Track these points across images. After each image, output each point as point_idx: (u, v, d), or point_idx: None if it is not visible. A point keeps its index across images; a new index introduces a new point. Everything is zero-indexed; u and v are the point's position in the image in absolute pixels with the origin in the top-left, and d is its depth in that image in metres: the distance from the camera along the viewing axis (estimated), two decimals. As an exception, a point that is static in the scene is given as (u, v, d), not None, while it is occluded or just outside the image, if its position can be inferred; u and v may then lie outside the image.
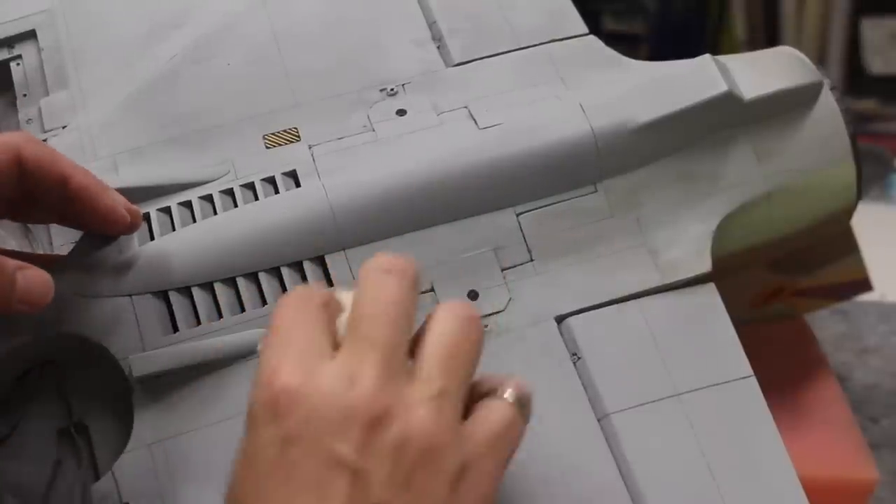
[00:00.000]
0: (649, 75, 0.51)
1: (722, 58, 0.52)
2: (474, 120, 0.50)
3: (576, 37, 0.54)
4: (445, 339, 0.37)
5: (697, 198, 0.50)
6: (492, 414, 0.37)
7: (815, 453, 0.60)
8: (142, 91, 0.53)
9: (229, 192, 0.49)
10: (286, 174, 0.49)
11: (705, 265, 0.48)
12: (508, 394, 0.38)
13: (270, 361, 0.36)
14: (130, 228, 0.46)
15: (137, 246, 0.47)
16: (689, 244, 0.49)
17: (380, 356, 0.35)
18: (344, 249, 0.47)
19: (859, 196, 0.53)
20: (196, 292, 0.46)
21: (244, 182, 0.49)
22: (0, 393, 0.45)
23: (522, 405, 0.38)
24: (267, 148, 0.51)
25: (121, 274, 0.46)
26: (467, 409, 0.37)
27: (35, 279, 0.41)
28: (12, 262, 0.41)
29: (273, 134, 0.51)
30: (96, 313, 0.46)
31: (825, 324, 0.80)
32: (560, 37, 0.54)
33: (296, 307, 0.37)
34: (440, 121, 0.50)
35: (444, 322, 0.37)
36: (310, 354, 0.36)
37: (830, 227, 0.54)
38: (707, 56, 0.51)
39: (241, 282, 0.47)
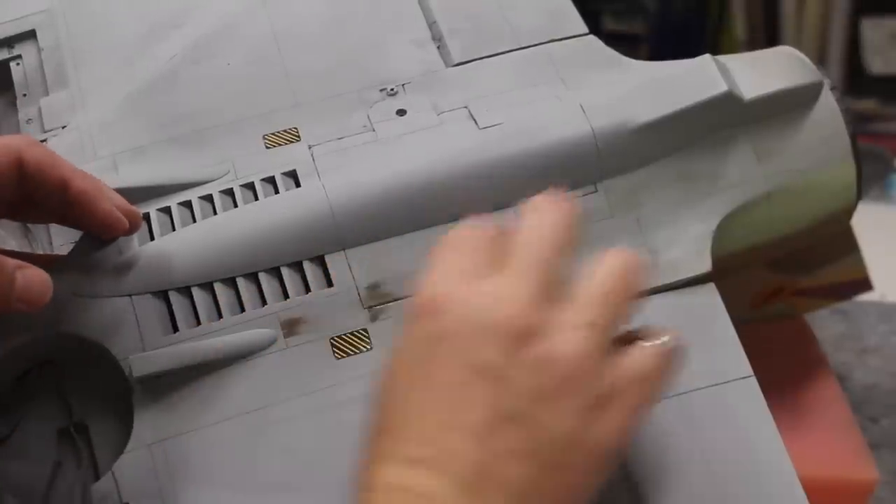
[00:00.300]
0: (649, 75, 0.51)
1: (722, 58, 0.52)
2: (474, 120, 0.50)
3: (576, 37, 0.54)
4: (608, 276, 0.38)
5: (697, 198, 0.50)
6: (643, 355, 0.38)
7: (815, 453, 0.60)
8: (142, 91, 0.53)
9: (229, 192, 0.49)
10: (286, 174, 0.49)
11: (705, 265, 0.48)
12: (663, 341, 0.39)
13: (435, 270, 0.38)
14: (129, 232, 0.46)
15: (137, 246, 0.47)
16: (689, 244, 0.49)
17: (537, 278, 0.37)
18: (344, 249, 0.47)
19: (859, 196, 0.53)
20: (196, 292, 0.46)
21: (244, 182, 0.49)
22: (0, 393, 0.45)
23: (675, 356, 0.39)
24: (267, 148, 0.51)
25: (121, 274, 0.46)
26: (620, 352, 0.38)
27: (34, 278, 0.41)
28: (12, 262, 0.41)
29: (273, 134, 0.51)
30: (96, 313, 0.46)
31: (825, 324, 0.80)
32: (560, 37, 0.54)
33: (469, 231, 0.39)
34: (440, 121, 0.50)
35: (611, 263, 0.39)
36: (472, 270, 0.38)
37: (830, 227, 0.54)
38: (707, 56, 0.51)
39: (241, 282, 0.47)
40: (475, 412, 0.35)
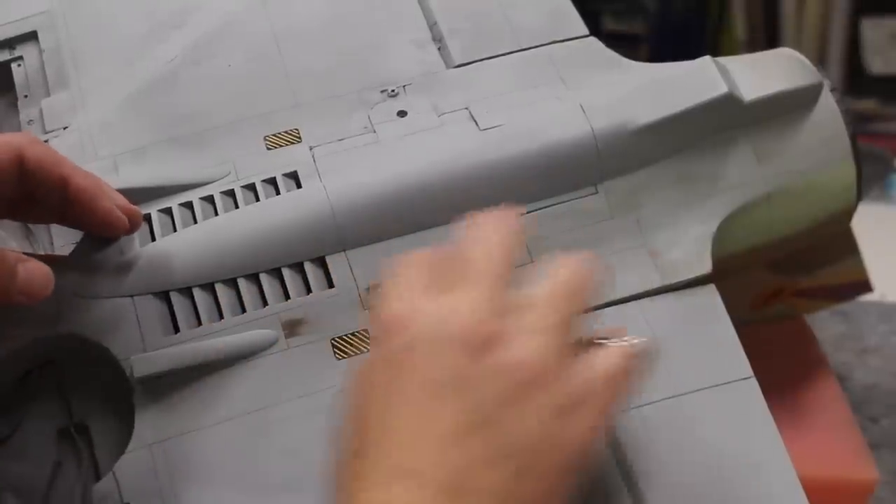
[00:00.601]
0: (649, 77, 0.51)
1: (722, 59, 0.52)
2: (475, 121, 0.50)
3: (576, 38, 0.54)
4: (561, 281, 0.39)
5: (698, 199, 0.50)
6: (608, 354, 0.39)
7: (815, 453, 0.60)
8: (142, 92, 0.53)
9: (230, 193, 0.49)
10: (287, 175, 0.49)
11: (705, 266, 0.48)
12: (629, 341, 0.39)
13: (394, 289, 0.39)
14: (129, 231, 0.46)
15: (139, 246, 0.47)
16: (689, 245, 0.49)
17: (493, 289, 0.38)
18: (345, 250, 0.47)
19: (859, 197, 0.53)
20: (197, 293, 0.46)
21: (245, 183, 0.49)
22: (1, 393, 0.45)
23: (641, 355, 0.39)
24: (268, 149, 0.51)
25: (122, 274, 0.46)
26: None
27: (35, 271, 0.42)
28: (13, 255, 0.41)
29: (274, 135, 0.51)
30: (97, 314, 0.46)
31: (825, 324, 0.80)
32: (560, 38, 0.54)
33: (420, 254, 0.40)
34: (441, 122, 0.50)
35: (564, 268, 0.39)
36: (430, 287, 0.38)
37: (830, 228, 0.54)
38: (707, 58, 0.51)
39: (241, 282, 0.47)
40: (445, 422, 0.35)
